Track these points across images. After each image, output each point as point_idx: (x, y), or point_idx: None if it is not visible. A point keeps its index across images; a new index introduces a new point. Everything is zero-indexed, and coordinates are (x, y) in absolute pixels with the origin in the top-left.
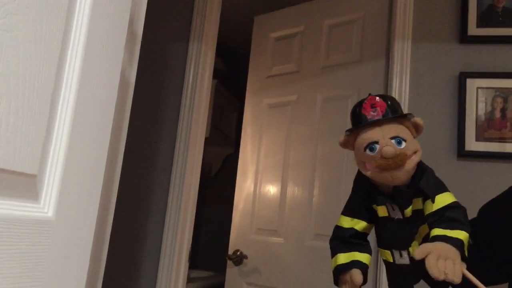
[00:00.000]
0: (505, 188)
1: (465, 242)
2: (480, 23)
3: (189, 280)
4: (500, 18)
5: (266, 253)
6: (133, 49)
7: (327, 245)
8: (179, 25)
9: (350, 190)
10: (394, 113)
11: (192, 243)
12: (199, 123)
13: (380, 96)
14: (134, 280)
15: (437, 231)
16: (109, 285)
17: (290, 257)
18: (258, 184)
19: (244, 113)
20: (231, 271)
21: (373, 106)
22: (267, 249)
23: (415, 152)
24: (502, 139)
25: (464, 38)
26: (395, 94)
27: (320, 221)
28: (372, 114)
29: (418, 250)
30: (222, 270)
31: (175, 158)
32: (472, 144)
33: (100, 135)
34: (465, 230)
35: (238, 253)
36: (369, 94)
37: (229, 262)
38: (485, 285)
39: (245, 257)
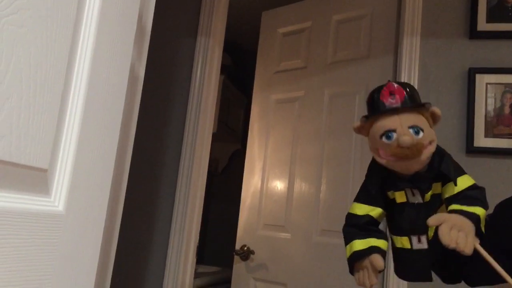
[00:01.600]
0: None
1: (482, 218)
2: (490, 19)
3: (196, 275)
4: (510, 14)
5: (273, 249)
6: (142, 44)
7: (334, 241)
8: (187, 21)
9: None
10: (412, 101)
11: (200, 238)
12: (206, 119)
13: (399, 83)
14: (142, 275)
15: (455, 207)
16: (118, 279)
17: (297, 253)
18: (265, 180)
19: (252, 108)
20: (238, 266)
21: (392, 93)
22: (274, 245)
23: (430, 142)
24: (511, 135)
25: (474, 33)
26: None
27: (327, 217)
28: (390, 101)
29: (432, 218)
30: (229, 266)
31: (183, 153)
32: (481, 140)
33: (110, 130)
34: (482, 207)
35: (245, 248)
36: (388, 81)
37: (236, 258)
38: (499, 279)
39: (252, 252)
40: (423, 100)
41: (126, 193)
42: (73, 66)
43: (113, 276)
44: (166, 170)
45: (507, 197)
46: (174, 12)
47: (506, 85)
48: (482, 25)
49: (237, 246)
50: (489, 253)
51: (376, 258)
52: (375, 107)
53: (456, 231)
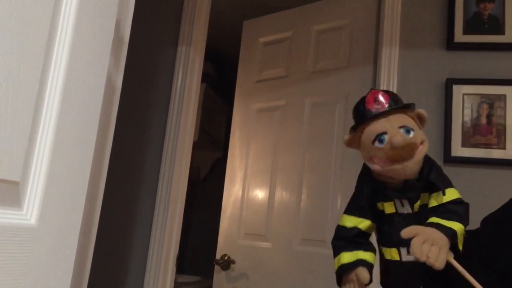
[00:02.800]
0: (493, 194)
1: (459, 234)
2: (466, 30)
3: (177, 285)
4: (486, 25)
5: (254, 258)
6: (119, 54)
7: (314, 250)
8: (168, 30)
9: (338, 195)
10: (397, 104)
11: (180, 248)
12: (187, 127)
13: (381, 90)
14: (121, 285)
15: (433, 219)
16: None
17: (277, 262)
18: (246, 188)
19: (233, 117)
20: (219, 276)
21: (376, 99)
22: (255, 254)
23: (422, 142)
24: (487, 145)
25: (451, 45)
26: None
27: (308, 226)
28: (376, 107)
29: (406, 229)
30: (209, 275)
31: (163, 162)
32: (458, 150)
33: (85, 141)
34: (461, 223)
35: (226, 257)
36: (371, 89)
37: (216, 267)
38: None
39: (233, 262)
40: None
41: (103, 202)
42: (47, 75)
43: (90, 286)
44: (146, 179)
45: (492, 211)
46: (154, 21)
47: (482, 95)
48: (459, 36)
49: (218, 256)
50: (472, 268)
51: (362, 272)
52: (362, 116)
53: (429, 245)
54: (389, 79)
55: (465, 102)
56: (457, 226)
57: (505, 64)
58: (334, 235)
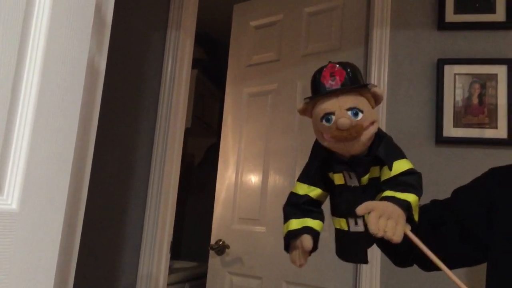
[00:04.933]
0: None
1: (414, 205)
2: (457, 10)
3: (172, 270)
4: (477, 4)
5: (248, 242)
6: (102, 36)
7: None
8: (157, 13)
9: None
10: (353, 82)
11: (175, 234)
12: (178, 113)
13: (340, 64)
14: (114, 271)
15: (386, 193)
16: (87, 278)
17: (272, 246)
18: (239, 173)
19: (225, 102)
20: (214, 261)
21: (332, 74)
22: (249, 238)
23: (372, 123)
24: (479, 125)
25: (442, 24)
26: (374, 81)
27: None
28: (330, 83)
29: (360, 206)
30: (205, 260)
31: (154, 149)
32: (450, 130)
33: (66, 125)
34: (415, 194)
35: (220, 243)
36: (329, 62)
37: (211, 252)
38: (454, 265)
39: (227, 246)
40: (393, 92)
41: (95, 189)
42: (25, 56)
43: (79, 274)
44: (138, 166)
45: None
46: (142, 5)
47: (474, 75)
48: (450, 16)
49: (212, 241)
50: (447, 238)
51: (305, 239)
52: (317, 89)
53: (385, 220)
54: (380, 60)
55: (456, 82)
56: (411, 197)
57: (496, 43)
58: (286, 201)
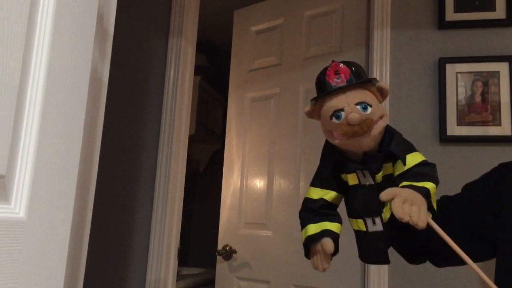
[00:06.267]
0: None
1: (432, 192)
2: (457, 8)
3: (180, 277)
4: (477, 3)
5: (255, 247)
6: (104, 46)
7: None
8: (158, 22)
9: None
10: (358, 78)
11: (182, 241)
12: (182, 120)
13: (343, 62)
14: (122, 280)
15: (404, 184)
16: (95, 285)
17: (279, 250)
18: (244, 178)
19: (228, 108)
20: (221, 266)
21: (337, 72)
22: (256, 243)
23: (381, 117)
24: (483, 123)
25: (442, 23)
26: None
27: None
28: (336, 81)
29: (384, 192)
30: (213, 266)
31: (159, 156)
32: (453, 128)
33: (71, 133)
34: (432, 182)
35: (227, 248)
36: (332, 61)
37: (218, 258)
38: (460, 260)
39: (235, 251)
40: (395, 92)
41: (101, 197)
42: (29, 67)
43: (88, 282)
44: (143, 173)
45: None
46: (144, 13)
47: (476, 73)
48: (450, 15)
49: (219, 246)
50: (453, 233)
51: (326, 242)
52: (322, 88)
53: (409, 205)
54: (381, 62)
55: (458, 80)
56: (429, 185)
57: (497, 40)
58: (301, 208)
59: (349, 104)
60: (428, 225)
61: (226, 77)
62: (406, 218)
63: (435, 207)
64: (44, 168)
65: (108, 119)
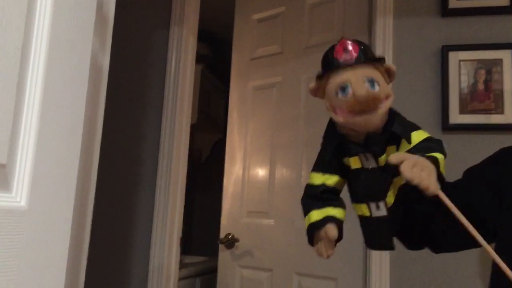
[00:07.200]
0: None
1: (441, 162)
2: None
3: (183, 265)
4: None
5: (257, 235)
6: (104, 34)
7: None
8: (159, 11)
9: None
10: (367, 57)
11: (185, 229)
12: (184, 109)
13: (352, 40)
14: (125, 268)
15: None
16: (97, 275)
17: (281, 238)
18: (246, 167)
19: (230, 96)
20: (224, 254)
21: (345, 49)
22: (258, 232)
23: (387, 97)
24: (485, 111)
25: (445, 11)
26: None
27: None
28: (344, 58)
29: (393, 155)
30: (215, 255)
31: (161, 145)
32: (456, 117)
33: (72, 121)
34: (440, 153)
35: (230, 236)
36: (342, 37)
37: (221, 246)
38: (461, 246)
39: (237, 240)
40: (398, 79)
41: (103, 187)
42: (28, 56)
43: (91, 272)
44: (145, 162)
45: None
46: (145, 2)
47: (479, 61)
48: (453, 2)
49: (222, 235)
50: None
51: (330, 228)
52: (329, 64)
53: (419, 170)
54: (384, 49)
55: (461, 68)
56: (437, 155)
57: (500, 28)
58: (303, 194)
59: (357, 78)
60: (437, 196)
61: (228, 66)
62: (416, 180)
63: (444, 175)
64: (45, 157)
65: (108, 108)
